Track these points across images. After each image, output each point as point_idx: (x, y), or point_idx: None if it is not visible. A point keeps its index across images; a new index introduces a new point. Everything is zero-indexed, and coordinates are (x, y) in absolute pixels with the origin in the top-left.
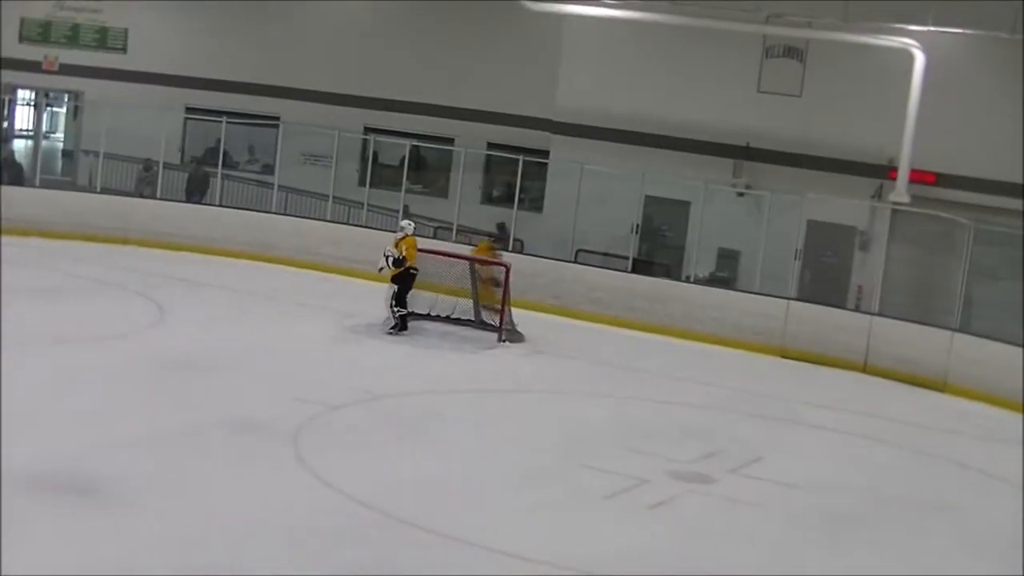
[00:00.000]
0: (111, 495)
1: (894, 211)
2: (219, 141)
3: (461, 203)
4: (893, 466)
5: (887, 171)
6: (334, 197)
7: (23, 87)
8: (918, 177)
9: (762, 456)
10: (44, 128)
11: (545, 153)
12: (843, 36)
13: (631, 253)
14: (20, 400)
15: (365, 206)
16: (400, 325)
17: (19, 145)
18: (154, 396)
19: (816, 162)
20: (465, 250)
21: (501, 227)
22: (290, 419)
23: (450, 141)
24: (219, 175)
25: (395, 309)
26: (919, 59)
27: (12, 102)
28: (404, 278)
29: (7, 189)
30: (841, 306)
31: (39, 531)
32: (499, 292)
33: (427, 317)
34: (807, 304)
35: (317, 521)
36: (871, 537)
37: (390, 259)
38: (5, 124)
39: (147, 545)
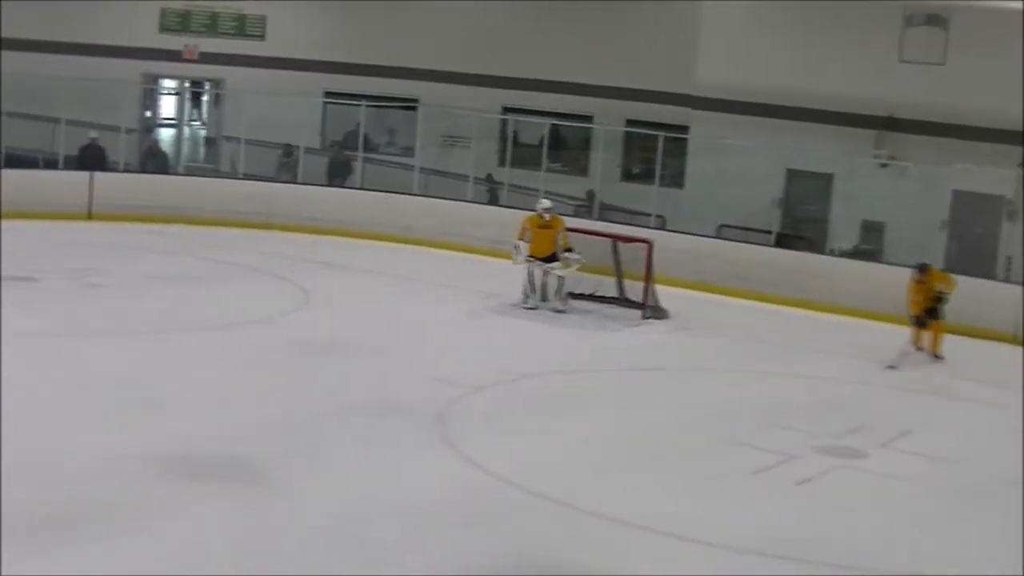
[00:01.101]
0: (257, 478)
1: None
2: (359, 125)
3: (601, 181)
4: None
5: None
6: (475, 178)
7: (165, 76)
8: None
9: (910, 430)
10: (187, 116)
11: (685, 129)
12: (987, 3)
13: (774, 227)
14: (166, 385)
15: (506, 186)
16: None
17: (164, 134)
18: (299, 379)
19: (961, 131)
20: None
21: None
22: (434, 400)
23: (589, 119)
24: (360, 158)
25: (566, 290)
26: None
27: (156, 91)
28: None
29: (152, 177)
30: (990, 277)
31: (185, 514)
32: None
33: (571, 295)
34: (954, 276)
35: (468, 502)
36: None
37: (571, 255)
38: (149, 113)
39: (294, 528)
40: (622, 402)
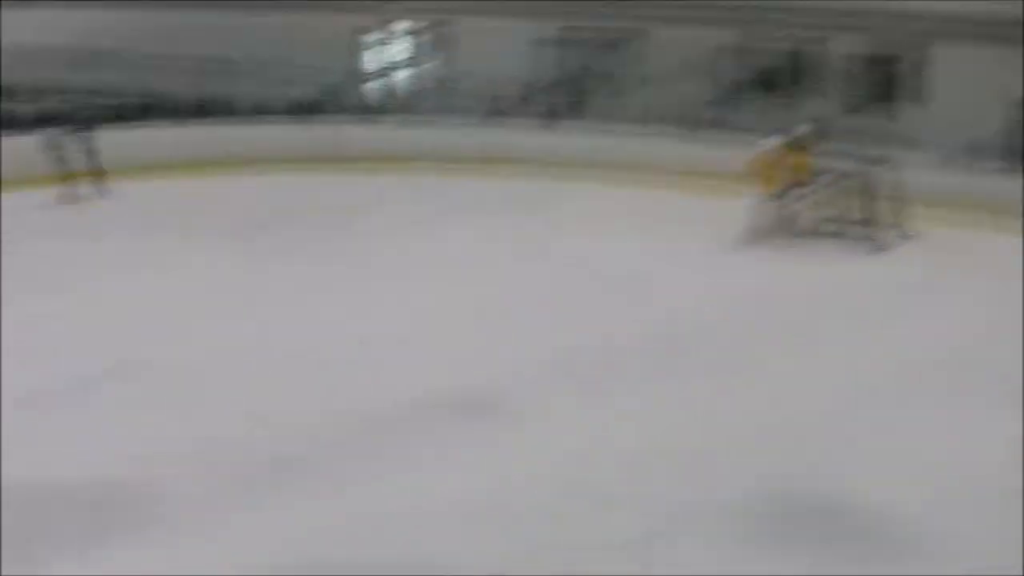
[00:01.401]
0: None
1: None
2: (582, 63)
3: (832, 109)
4: None
5: None
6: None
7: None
8: None
9: None
10: (415, 59)
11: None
12: None
13: None
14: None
15: (732, 124)
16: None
17: (394, 77)
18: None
19: None
20: None
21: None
22: (672, 336)
23: (818, 43)
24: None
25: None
26: None
27: (385, 38)
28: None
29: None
30: None
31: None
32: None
33: (810, 229)
34: None
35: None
36: None
37: (807, 187)
38: (378, 59)
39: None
40: (861, 337)
